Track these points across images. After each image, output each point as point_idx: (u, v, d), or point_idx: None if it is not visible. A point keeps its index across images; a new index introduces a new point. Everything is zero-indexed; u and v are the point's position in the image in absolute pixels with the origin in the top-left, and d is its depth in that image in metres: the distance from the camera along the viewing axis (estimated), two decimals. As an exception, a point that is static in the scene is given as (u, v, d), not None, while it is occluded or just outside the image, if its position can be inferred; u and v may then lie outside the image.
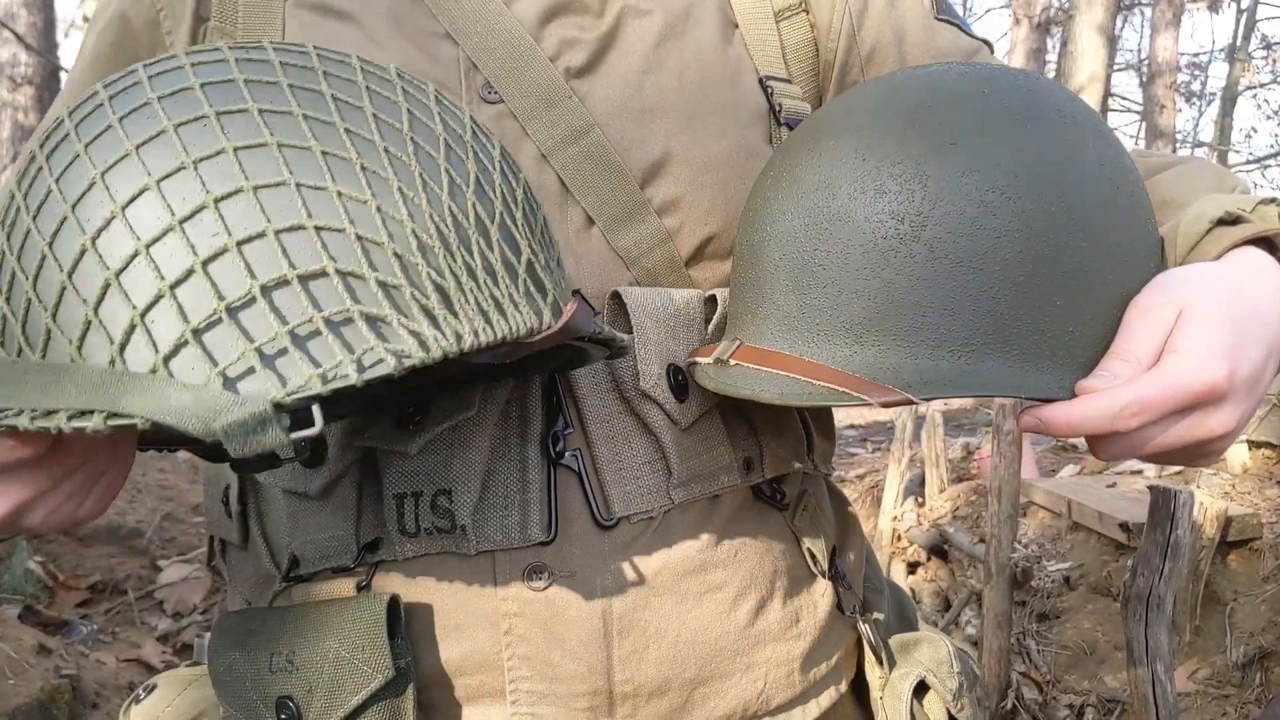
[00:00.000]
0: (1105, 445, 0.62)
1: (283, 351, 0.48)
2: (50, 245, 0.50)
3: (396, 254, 0.50)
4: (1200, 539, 2.81)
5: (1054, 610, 3.09)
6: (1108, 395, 0.58)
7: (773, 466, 0.76)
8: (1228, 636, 2.68)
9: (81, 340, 0.49)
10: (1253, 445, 3.29)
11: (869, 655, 0.79)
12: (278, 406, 0.47)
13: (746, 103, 0.78)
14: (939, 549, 3.97)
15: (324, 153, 0.50)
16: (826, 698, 0.77)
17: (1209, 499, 2.89)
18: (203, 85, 0.52)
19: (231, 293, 0.48)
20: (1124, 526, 3.12)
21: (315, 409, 0.48)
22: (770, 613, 0.74)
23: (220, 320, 0.48)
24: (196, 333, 0.48)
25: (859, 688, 0.82)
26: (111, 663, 2.91)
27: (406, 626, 0.67)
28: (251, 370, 0.48)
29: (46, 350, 0.50)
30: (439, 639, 0.68)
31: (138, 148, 0.50)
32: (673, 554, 0.71)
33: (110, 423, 0.47)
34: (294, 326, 0.48)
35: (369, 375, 0.48)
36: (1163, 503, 2.10)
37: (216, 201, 0.48)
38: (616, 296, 0.70)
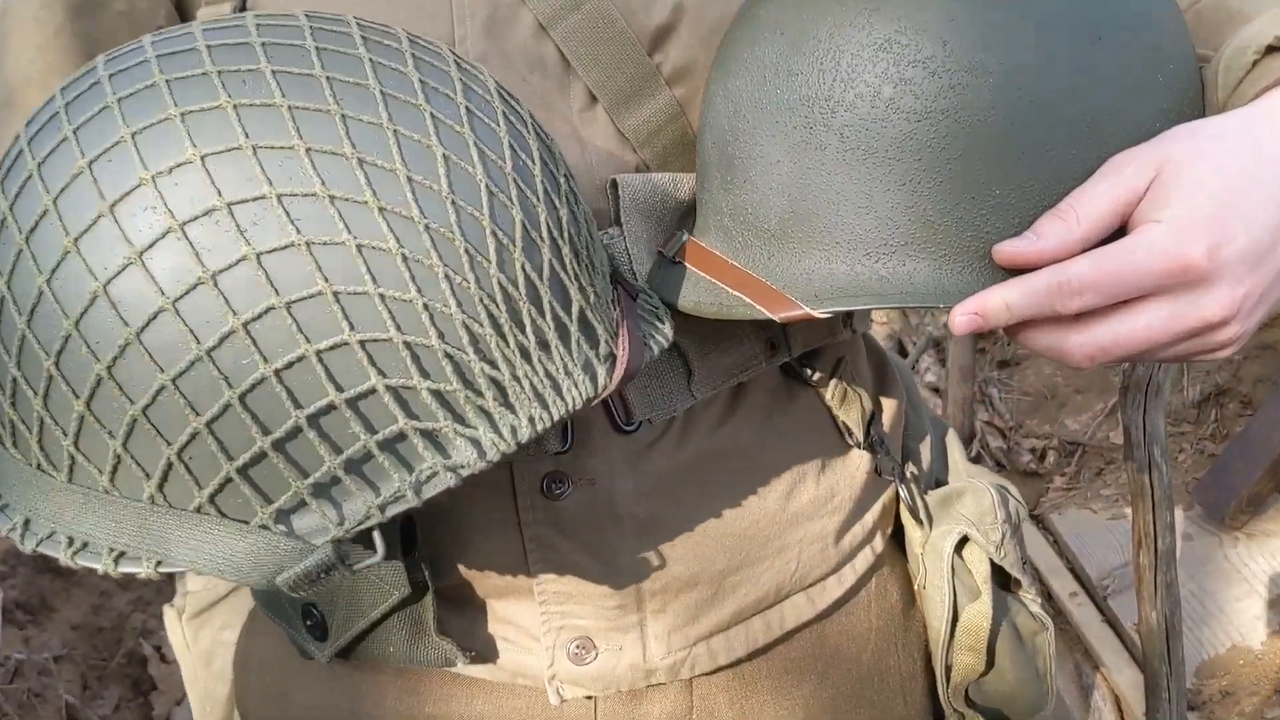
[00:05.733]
0: (1051, 337, 0.52)
1: (335, 481, 0.45)
2: (57, 365, 0.44)
3: (448, 354, 0.45)
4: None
5: (1014, 357, 3.17)
6: (1039, 273, 0.50)
7: (801, 343, 0.72)
8: (1184, 375, 2.78)
9: (114, 474, 0.45)
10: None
11: (907, 515, 0.79)
12: (338, 543, 0.45)
13: None
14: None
15: (359, 246, 0.44)
16: (862, 560, 0.77)
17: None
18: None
19: (275, 425, 0.44)
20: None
21: (376, 536, 0.46)
22: (803, 494, 0.73)
23: (265, 455, 0.44)
24: (242, 470, 0.44)
25: (901, 535, 0.81)
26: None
27: (431, 530, 0.66)
28: (304, 504, 0.45)
29: (73, 475, 0.46)
30: (464, 543, 0.68)
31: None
32: (697, 450, 0.69)
33: (161, 569, 0.45)
34: (348, 454, 0.45)
35: (428, 494, 0.46)
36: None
37: (245, 325, 0.43)
38: (614, 186, 0.64)
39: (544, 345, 0.48)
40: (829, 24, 0.53)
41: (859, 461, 0.77)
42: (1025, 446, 2.91)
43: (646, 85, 0.64)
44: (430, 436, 0.46)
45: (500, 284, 0.46)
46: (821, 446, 0.75)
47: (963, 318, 0.52)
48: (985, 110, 0.51)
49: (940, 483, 0.83)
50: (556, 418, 0.48)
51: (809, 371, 0.74)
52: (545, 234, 0.48)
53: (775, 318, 0.54)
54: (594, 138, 0.65)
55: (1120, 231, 0.52)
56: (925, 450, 0.84)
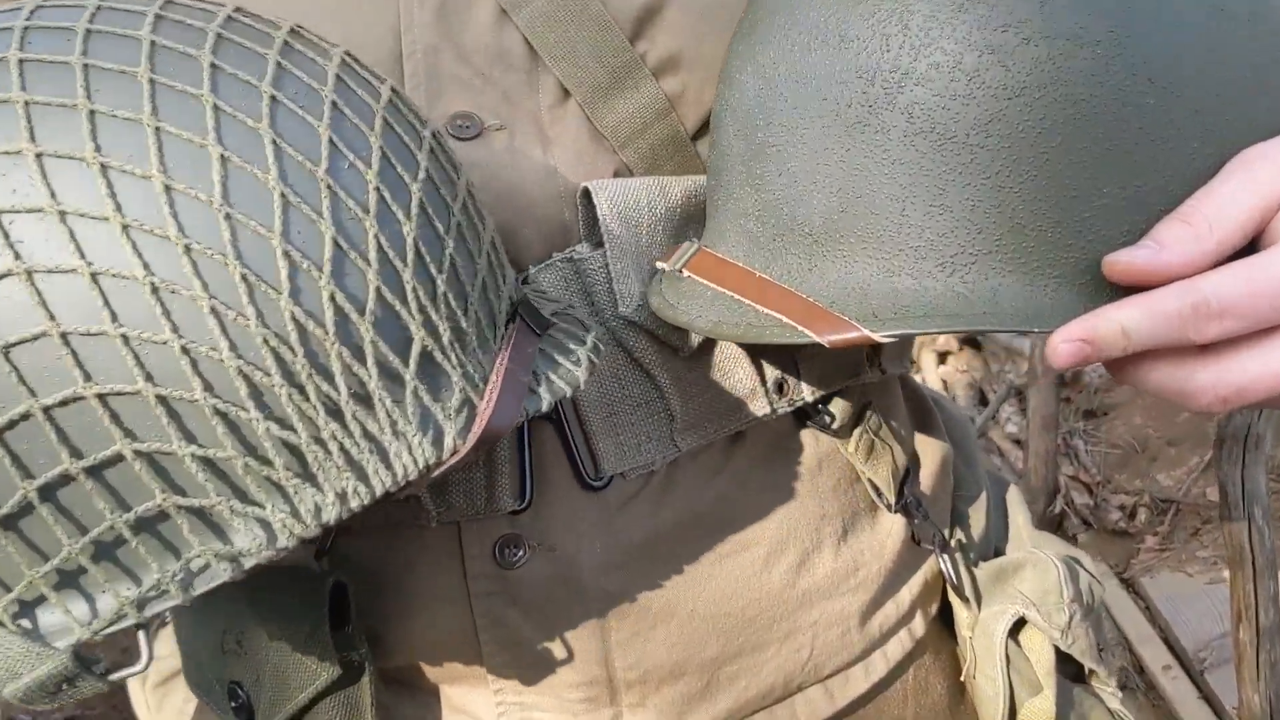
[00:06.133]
0: (1172, 373, 0.43)
1: (81, 570, 0.36)
2: None
3: (218, 411, 0.36)
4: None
5: (1102, 407, 3.00)
6: (1166, 291, 0.41)
7: (817, 384, 0.61)
8: (1289, 427, 2.61)
9: None
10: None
11: (952, 592, 0.68)
12: (82, 647, 0.36)
13: None
14: (971, 338, 3.83)
15: (95, 274, 0.35)
16: (896, 646, 0.67)
17: None
18: None
19: (1, 499, 0.35)
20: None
21: (142, 639, 0.36)
22: (817, 568, 0.63)
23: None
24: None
25: (951, 615, 0.70)
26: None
27: (372, 601, 0.58)
28: (43, 599, 0.36)
29: None
30: (408, 618, 0.59)
31: None
32: (682, 511, 0.59)
33: None
34: (93, 536, 0.36)
35: (200, 589, 0.36)
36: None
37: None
38: (587, 195, 0.55)
39: (362, 398, 0.38)
40: None
41: (890, 527, 0.66)
42: (1114, 503, 2.76)
43: (628, 77, 0.56)
44: (200, 515, 0.36)
45: (295, 319, 0.36)
46: (842, 509, 0.64)
47: (1067, 345, 0.42)
48: (1091, 87, 0.42)
49: (999, 552, 0.72)
50: (380, 491, 0.38)
51: (827, 418, 0.62)
52: (373, 254, 0.39)
53: (823, 341, 0.44)
54: (563, 136, 0.56)
55: (1249, 245, 0.43)
56: (979, 514, 0.72)
